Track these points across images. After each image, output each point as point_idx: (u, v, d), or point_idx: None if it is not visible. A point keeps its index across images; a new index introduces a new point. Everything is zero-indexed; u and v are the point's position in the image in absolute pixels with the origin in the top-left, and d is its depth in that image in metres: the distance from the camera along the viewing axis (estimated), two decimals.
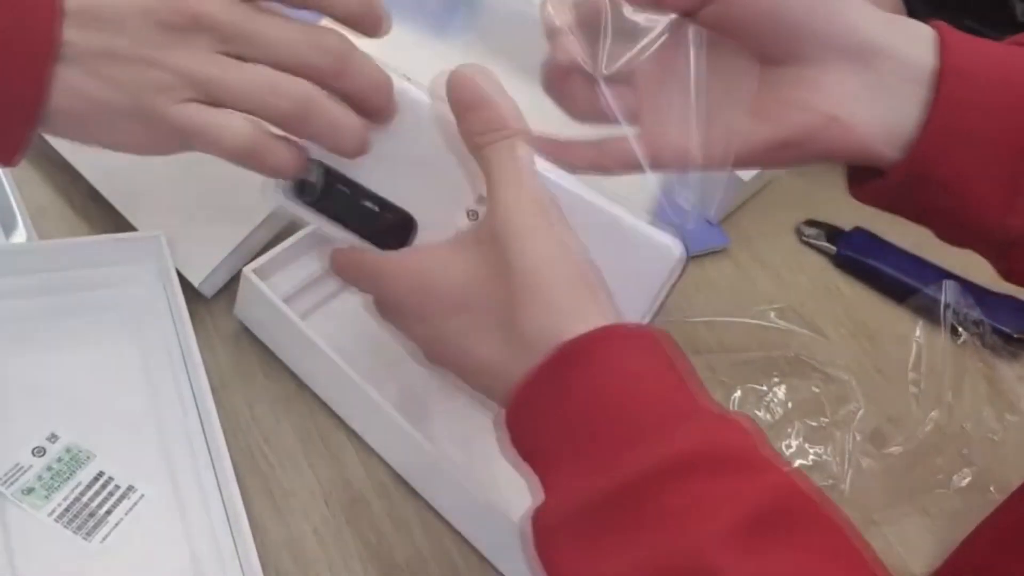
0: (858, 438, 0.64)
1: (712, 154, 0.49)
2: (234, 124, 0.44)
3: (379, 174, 0.48)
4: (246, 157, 0.45)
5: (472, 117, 0.45)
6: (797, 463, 0.65)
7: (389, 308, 0.48)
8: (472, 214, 0.48)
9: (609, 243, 0.45)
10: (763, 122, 0.49)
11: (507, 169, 0.44)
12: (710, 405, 0.41)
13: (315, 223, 0.50)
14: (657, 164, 0.50)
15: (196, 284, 0.61)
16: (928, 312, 0.72)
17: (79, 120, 0.43)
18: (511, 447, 0.43)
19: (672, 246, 0.47)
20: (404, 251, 0.48)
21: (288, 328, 0.59)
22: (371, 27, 0.46)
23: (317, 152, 0.48)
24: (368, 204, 0.49)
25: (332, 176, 0.49)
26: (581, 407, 0.41)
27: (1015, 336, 0.73)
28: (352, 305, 0.63)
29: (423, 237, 0.48)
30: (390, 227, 0.49)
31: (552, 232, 0.43)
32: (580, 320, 0.41)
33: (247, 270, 0.59)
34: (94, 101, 0.42)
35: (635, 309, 0.46)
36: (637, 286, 0.46)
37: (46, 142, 0.65)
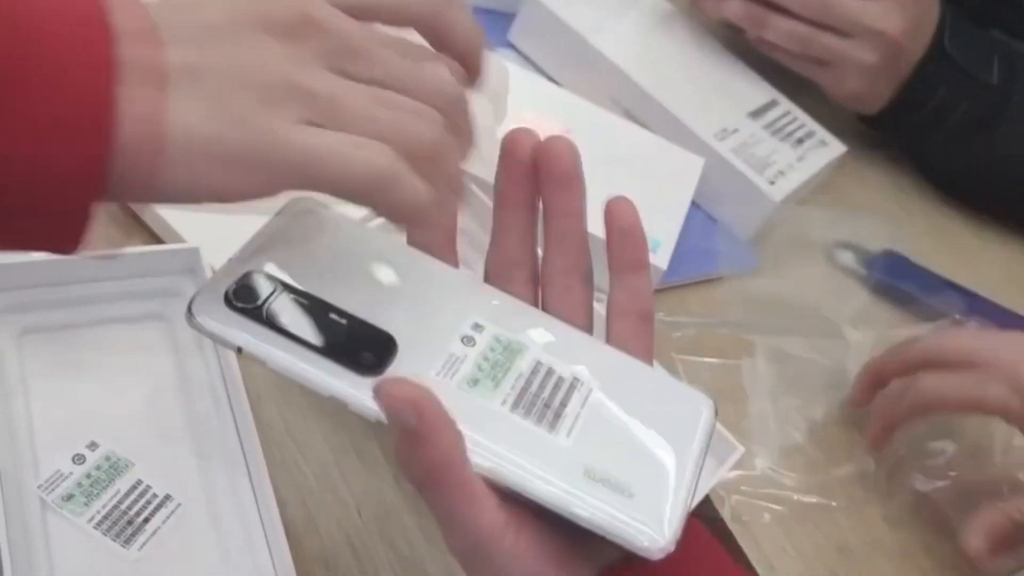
0: None
1: None
2: (371, 149, 0.35)
3: (348, 286, 0.40)
4: (379, 190, 0.36)
5: (421, 455, 0.35)
6: None
7: None
8: (468, 340, 0.40)
9: (641, 403, 0.41)
10: None
11: (455, 511, 0.37)
12: None
13: (254, 343, 0.38)
14: None
15: None
16: None
17: (156, 163, 0.33)
18: None
19: (703, 399, 0.42)
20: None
21: None
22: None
23: (265, 263, 0.40)
24: (333, 317, 0.39)
25: (282, 287, 0.39)
26: None
27: None
28: None
29: (403, 364, 0.38)
30: (362, 347, 0.38)
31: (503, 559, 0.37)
32: None
33: None
34: (178, 130, 0.33)
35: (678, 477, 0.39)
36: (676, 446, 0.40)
37: None
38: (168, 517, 0.52)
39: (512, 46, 0.87)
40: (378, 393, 0.35)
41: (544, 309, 0.43)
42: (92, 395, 0.56)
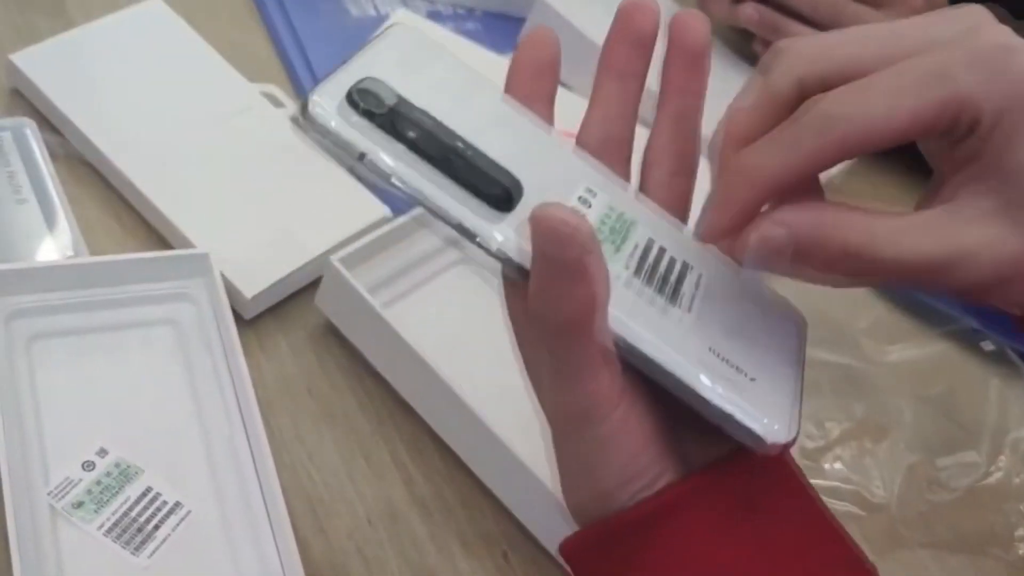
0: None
1: None
2: None
3: (465, 119, 0.36)
4: None
5: (571, 292, 0.33)
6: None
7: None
8: (583, 201, 0.37)
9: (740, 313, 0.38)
10: None
11: (583, 366, 0.35)
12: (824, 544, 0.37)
13: (379, 151, 0.34)
14: None
15: (241, 304, 0.62)
16: (966, 341, 0.72)
17: None
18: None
19: (797, 313, 0.40)
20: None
21: (371, 318, 0.60)
22: None
23: (383, 74, 0.36)
24: (459, 145, 0.35)
25: (406, 105, 0.35)
26: None
27: None
28: (435, 300, 0.65)
29: (523, 211, 0.35)
30: (490, 181, 0.35)
31: (603, 429, 0.36)
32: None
33: (333, 259, 0.60)
34: None
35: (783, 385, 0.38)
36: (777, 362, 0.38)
37: (95, 155, 0.66)
38: (178, 524, 0.52)
39: None
40: (539, 217, 0.32)
41: (642, 191, 0.41)
42: (102, 401, 0.55)
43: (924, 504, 0.64)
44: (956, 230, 0.36)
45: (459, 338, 0.63)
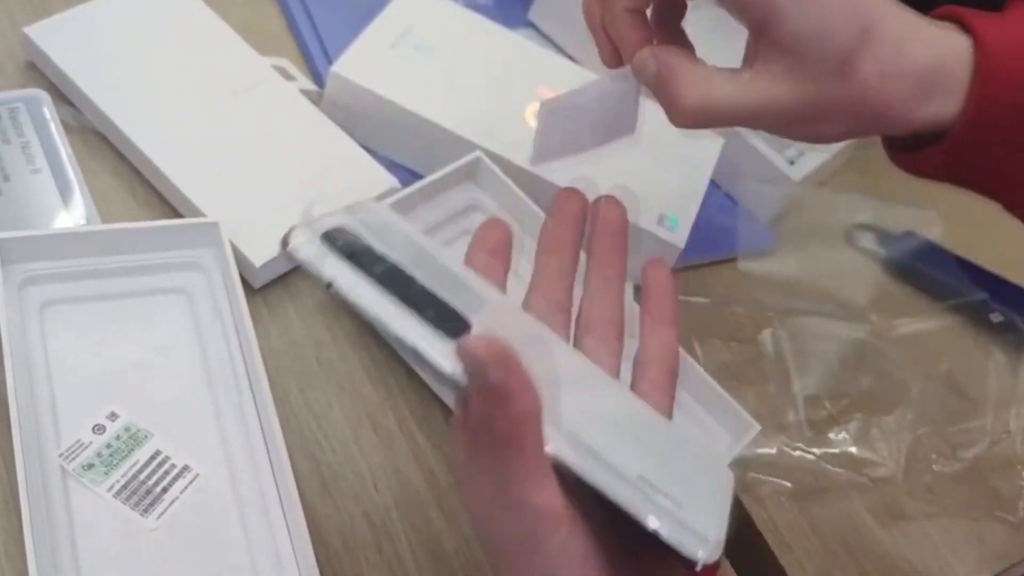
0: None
1: None
2: None
3: (422, 271, 0.41)
4: None
5: (501, 411, 0.35)
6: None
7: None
8: None
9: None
10: None
11: (524, 482, 0.37)
12: None
13: (344, 281, 0.38)
14: None
15: (251, 273, 0.62)
16: (974, 313, 0.72)
17: None
18: None
19: (726, 469, 0.44)
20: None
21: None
22: None
23: (354, 226, 0.41)
24: (418, 285, 0.39)
25: (370, 247, 0.40)
26: None
27: None
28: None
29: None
30: (443, 317, 0.39)
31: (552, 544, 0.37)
32: None
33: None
34: None
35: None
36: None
37: (109, 126, 0.67)
38: (186, 487, 0.53)
39: (532, 25, 0.87)
40: (466, 346, 0.35)
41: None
42: (112, 367, 0.56)
43: (930, 475, 0.65)
44: (758, 86, 0.50)
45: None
